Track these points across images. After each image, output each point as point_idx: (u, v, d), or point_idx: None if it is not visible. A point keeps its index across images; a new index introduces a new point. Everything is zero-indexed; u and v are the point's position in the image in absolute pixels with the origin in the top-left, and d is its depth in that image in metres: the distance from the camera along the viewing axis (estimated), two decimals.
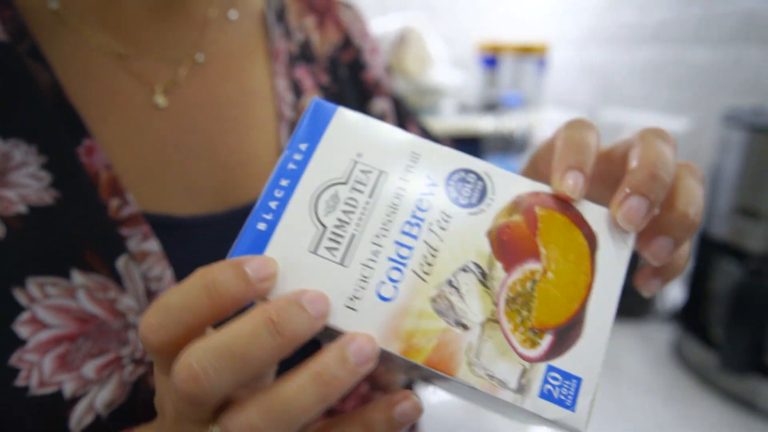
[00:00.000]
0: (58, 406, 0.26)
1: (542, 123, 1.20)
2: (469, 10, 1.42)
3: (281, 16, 0.41)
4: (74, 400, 0.27)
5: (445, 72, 1.17)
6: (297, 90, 0.40)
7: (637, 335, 0.85)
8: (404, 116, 0.47)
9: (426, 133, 0.49)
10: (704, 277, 0.76)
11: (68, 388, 0.26)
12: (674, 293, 0.95)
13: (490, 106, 1.28)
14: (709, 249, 0.75)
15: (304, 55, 0.42)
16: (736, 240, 0.66)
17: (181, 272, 0.31)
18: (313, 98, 0.24)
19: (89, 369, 0.27)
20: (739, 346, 0.63)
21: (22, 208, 0.27)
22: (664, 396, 0.70)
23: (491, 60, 1.33)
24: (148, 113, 0.33)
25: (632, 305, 0.89)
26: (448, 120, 1.19)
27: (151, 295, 0.30)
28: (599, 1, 1.21)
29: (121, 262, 0.29)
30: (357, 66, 0.44)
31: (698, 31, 0.96)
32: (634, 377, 0.74)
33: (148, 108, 0.33)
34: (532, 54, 1.29)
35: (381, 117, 0.44)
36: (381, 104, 0.44)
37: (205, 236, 0.33)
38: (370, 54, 0.46)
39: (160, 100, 0.33)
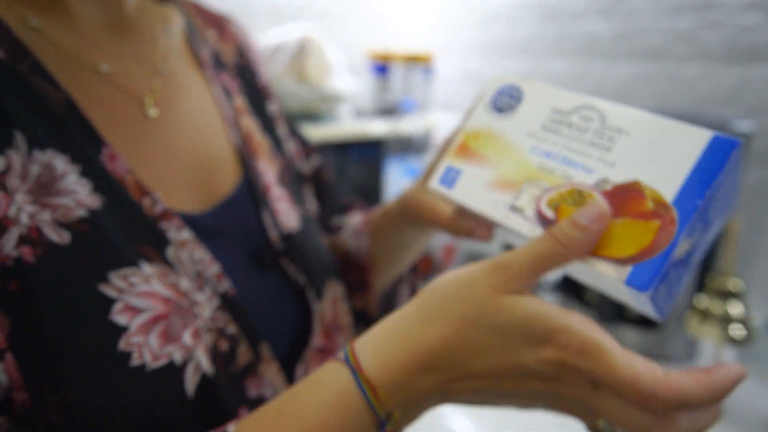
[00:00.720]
0: (174, 373, 0.30)
1: (434, 125, 1.32)
2: (360, 21, 1.51)
3: (194, 29, 0.46)
4: (184, 365, 0.31)
5: (343, 79, 1.24)
6: (227, 93, 0.45)
7: None
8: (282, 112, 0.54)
9: (294, 131, 0.56)
10: None
11: (177, 357, 0.30)
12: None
13: (384, 111, 1.37)
14: None
15: (219, 63, 0.47)
16: None
17: (213, 255, 0.35)
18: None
19: (186, 338, 0.31)
20: (605, 298, 0.79)
21: (82, 212, 0.29)
22: None
23: (382, 67, 1.42)
24: (143, 123, 0.36)
25: None
26: (346, 124, 1.26)
27: (199, 275, 0.34)
28: (475, 16, 1.37)
29: (170, 252, 0.33)
30: (251, 73, 0.50)
31: (555, 47, 1.14)
32: None
33: (142, 119, 0.36)
34: (419, 62, 1.41)
35: (275, 117, 0.50)
36: (273, 106, 0.51)
37: (211, 228, 0.38)
38: (257, 62, 0.52)
39: (153, 111, 0.36)
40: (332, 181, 0.59)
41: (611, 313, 0.80)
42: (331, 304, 0.45)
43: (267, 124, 0.49)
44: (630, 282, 0.25)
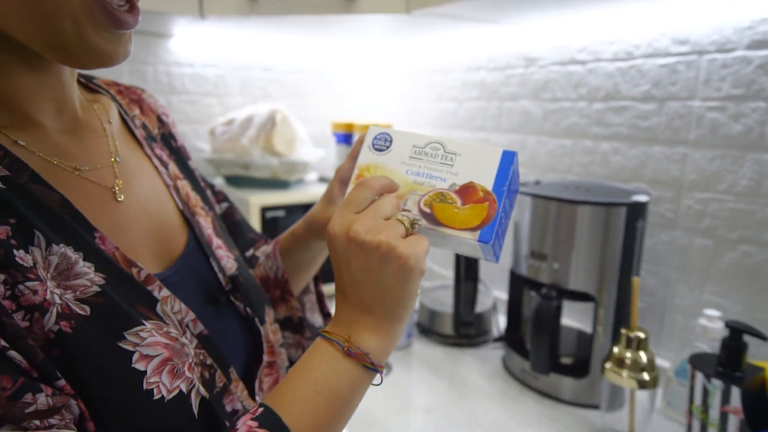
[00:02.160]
0: (184, 400, 0.39)
1: None
2: (325, 97, 1.65)
3: (125, 111, 0.55)
4: (189, 392, 0.40)
5: (308, 150, 1.35)
6: (163, 163, 0.54)
7: (478, 357, 1.08)
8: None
9: (205, 181, 0.66)
10: (517, 305, 1.02)
11: (184, 387, 0.39)
12: (503, 322, 1.21)
13: None
14: (517, 283, 1.01)
15: (150, 136, 0.56)
16: (533, 275, 0.93)
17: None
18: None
19: (187, 372, 0.40)
20: (541, 352, 0.88)
21: (96, 288, 0.38)
22: (497, 400, 0.92)
23: (345, 137, 1.55)
24: (115, 207, 0.45)
25: (473, 336, 1.12)
26: (312, 189, 1.36)
27: (180, 323, 0.43)
28: (428, 92, 1.52)
29: (158, 308, 0.41)
30: (172, 137, 0.60)
31: (496, 122, 1.29)
32: (476, 389, 0.95)
33: (114, 204, 0.45)
34: None
35: (194, 172, 0.60)
36: (192, 163, 0.61)
37: (175, 282, 0.46)
38: (173, 126, 0.61)
39: (121, 197, 0.46)
40: (242, 219, 0.71)
41: (546, 366, 0.89)
42: (269, 326, 0.56)
43: (193, 181, 0.58)
44: (480, 239, 0.43)
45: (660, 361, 0.96)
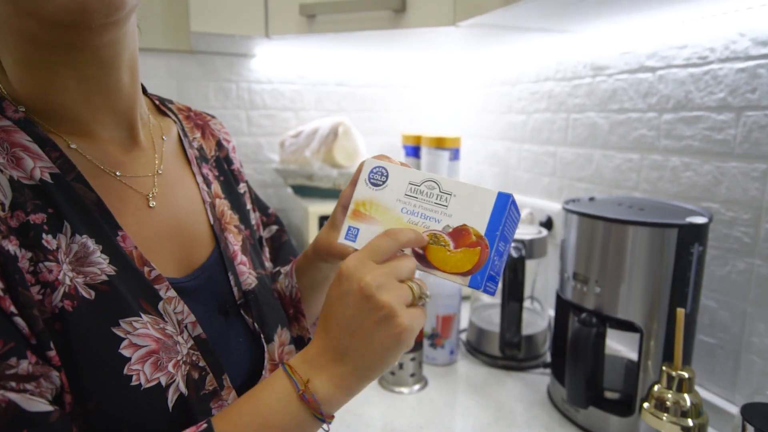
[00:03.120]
0: (160, 392, 0.42)
1: None
2: (397, 109, 1.68)
3: (185, 133, 0.61)
4: (167, 387, 0.43)
5: None
6: (207, 182, 0.59)
7: (524, 383, 1.02)
8: (251, 189, 0.69)
9: (257, 197, 0.72)
10: (563, 330, 0.95)
11: (163, 381, 0.42)
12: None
13: None
14: (563, 307, 0.94)
15: (203, 157, 0.62)
16: (577, 299, 0.86)
17: (190, 308, 0.48)
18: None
19: (170, 366, 0.43)
20: (577, 383, 0.81)
21: (104, 277, 0.43)
22: (534, 429, 0.86)
23: (414, 149, 1.56)
24: (147, 212, 0.51)
25: (521, 359, 1.06)
26: None
27: (179, 323, 0.47)
28: (497, 104, 1.48)
29: (160, 305, 0.46)
30: (228, 161, 0.65)
31: (563, 134, 1.21)
32: (513, 415, 0.90)
33: (146, 209, 0.51)
34: (447, 144, 1.53)
35: (244, 194, 0.65)
36: (243, 186, 0.66)
37: (190, 289, 0.50)
38: (233, 152, 0.67)
39: (153, 203, 0.51)
40: (288, 242, 0.74)
41: (583, 399, 0.81)
42: (278, 345, 0.58)
43: (236, 202, 0.63)
44: (471, 284, 0.44)
45: (731, 408, 0.83)
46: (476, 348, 1.12)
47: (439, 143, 1.53)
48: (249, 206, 0.66)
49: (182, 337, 0.46)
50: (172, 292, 0.47)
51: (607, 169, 1.09)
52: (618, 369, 0.94)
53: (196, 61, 1.44)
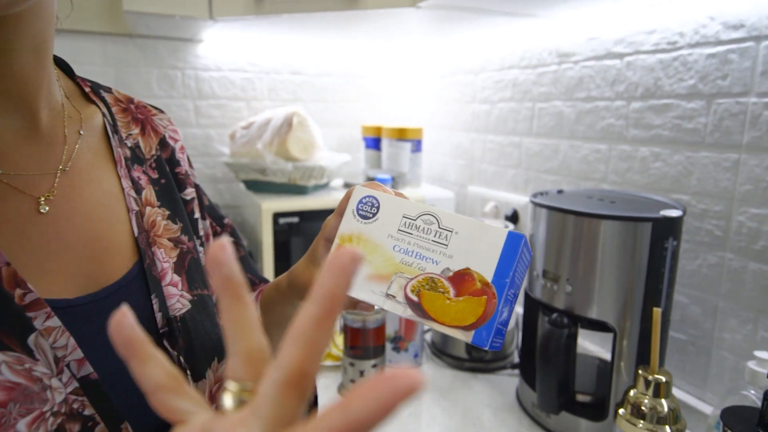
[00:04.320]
0: None
1: (423, 196, 1.35)
2: (356, 99, 1.60)
3: (115, 128, 0.52)
4: None
5: (327, 155, 1.30)
6: (137, 187, 0.50)
7: (492, 385, 0.97)
8: (202, 194, 0.60)
9: (211, 204, 0.63)
10: (532, 330, 0.90)
11: None
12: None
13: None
14: (532, 306, 0.89)
15: (137, 157, 0.52)
16: (547, 298, 0.81)
17: (79, 341, 0.38)
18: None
19: (22, 426, 0.33)
20: (548, 388, 0.76)
21: None
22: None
23: (374, 141, 1.49)
24: (35, 219, 0.41)
25: (489, 360, 1.01)
26: (333, 195, 1.31)
27: (59, 360, 0.37)
28: (460, 94, 1.42)
29: (31, 339, 0.36)
30: (173, 162, 0.56)
31: (528, 124, 1.17)
32: (481, 422, 0.85)
33: (34, 214, 0.41)
34: (409, 136, 1.47)
35: (191, 200, 0.56)
36: (191, 192, 0.57)
37: (91, 312, 0.41)
38: (180, 152, 0.58)
39: (46, 208, 0.42)
40: (244, 258, 0.65)
41: (554, 404, 0.77)
42: (213, 382, 0.48)
43: (178, 210, 0.54)
44: (474, 342, 0.37)
45: (703, 407, 0.81)
46: (441, 350, 1.06)
47: (401, 134, 1.47)
48: (198, 215, 0.57)
49: (60, 380, 0.37)
50: (53, 321, 0.37)
51: (574, 160, 1.05)
52: (589, 370, 0.90)
53: (136, 45, 1.32)
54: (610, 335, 0.76)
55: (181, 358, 0.46)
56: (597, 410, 0.78)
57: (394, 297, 0.39)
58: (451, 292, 0.38)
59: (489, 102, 1.30)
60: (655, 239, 0.70)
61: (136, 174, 0.51)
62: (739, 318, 0.77)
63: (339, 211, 0.46)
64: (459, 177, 1.47)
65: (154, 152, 0.55)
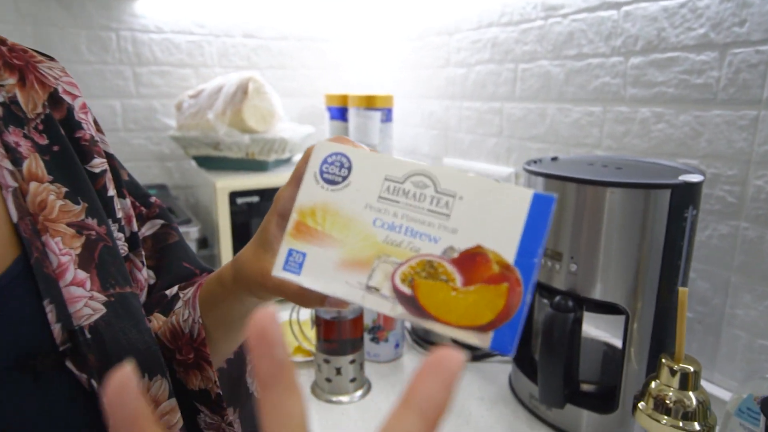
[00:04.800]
0: None
1: None
2: (319, 67, 1.46)
3: None
4: None
5: (289, 126, 1.17)
6: (15, 156, 0.37)
7: (482, 375, 0.88)
8: (119, 167, 0.47)
9: (133, 180, 0.50)
10: (528, 314, 0.81)
11: None
12: None
13: None
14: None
15: (12, 116, 0.39)
16: (546, 279, 0.72)
17: None
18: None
19: None
20: (552, 380, 0.67)
21: None
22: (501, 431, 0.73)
23: (340, 111, 1.36)
24: None
25: (476, 347, 0.92)
26: None
27: None
28: (433, 58, 1.31)
29: None
30: (71, 124, 0.42)
31: (510, 88, 1.07)
32: (473, 417, 0.76)
33: None
34: (378, 105, 1.34)
35: (101, 174, 0.43)
36: (101, 163, 0.43)
37: None
38: (82, 112, 0.44)
39: None
40: (179, 243, 0.51)
41: (560, 398, 0.68)
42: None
43: (80, 187, 0.41)
44: (495, 348, 0.27)
45: (712, 389, 0.74)
46: (424, 338, 0.97)
47: (369, 103, 1.34)
48: (112, 192, 0.44)
49: None
50: None
51: (564, 126, 0.96)
52: (594, 356, 0.83)
53: (58, 1, 1.13)
54: (615, 317, 0.68)
55: (93, 382, 0.34)
56: (604, 401, 0.70)
57: (377, 290, 0.29)
58: (458, 279, 0.28)
59: (465, 65, 1.19)
60: (673, 208, 0.61)
61: (12, 139, 0.38)
62: (754, 293, 0.70)
63: (295, 176, 0.35)
64: (433, 148, 1.36)
65: (40, 110, 0.41)
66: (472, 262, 0.27)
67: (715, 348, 0.76)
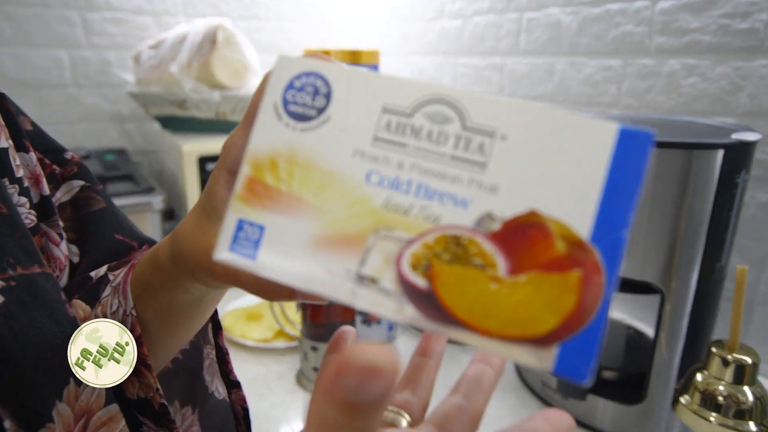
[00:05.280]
0: None
1: None
2: (296, 19, 1.32)
3: None
4: None
5: None
6: None
7: None
8: (15, 114, 0.35)
9: (39, 130, 0.39)
10: None
11: None
12: None
13: None
14: None
15: None
16: None
17: None
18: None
19: None
20: None
21: None
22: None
23: None
24: None
25: None
26: None
27: None
28: (424, 9, 1.18)
29: None
30: None
31: (513, 41, 0.96)
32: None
33: None
34: (363, 60, 1.22)
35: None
36: None
37: None
38: None
39: None
40: (107, 210, 0.40)
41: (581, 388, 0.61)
42: (68, 426, 0.27)
43: None
44: (561, 371, 0.17)
45: None
46: None
47: (354, 58, 1.22)
48: (6, 143, 0.32)
49: None
50: None
51: (575, 82, 0.86)
52: (617, 341, 0.75)
53: None
54: (641, 298, 0.60)
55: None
56: (628, 391, 0.62)
57: (374, 281, 0.20)
58: (501, 265, 0.19)
59: (461, 16, 1.07)
60: (724, 173, 0.53)
61: None
62: None
63: (250, 114, 0.26)
64: None
65: None
66: (522, 237, 0.19)
67: (746, 328, 0.69)
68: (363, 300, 0.20)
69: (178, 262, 0.29)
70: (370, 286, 0.20)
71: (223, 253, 0.21)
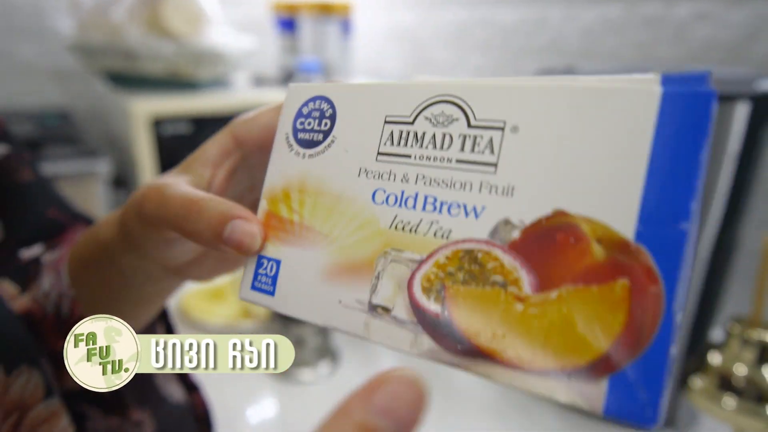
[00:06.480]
0: None
1: None
2: None
3: None
4: None
5: (227, 33, 0.93)
6: None
7: None
8: None
9: None
10: None
11: None
12: None
13: (291, 77, 1.08)
14: None
15: None
16: None
17: None
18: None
19: None
20: None
21: None
22: (499, 413, 0.60)
23: (288, 22, 1.12)
24: None
25: None
26: (241, 94, 0.96)
27: None
28: None
29: None
30: None
31: None
32: (467, 394, 0.62)
33: None
34: (335, 15, 1.11)
35: None
36: None
37: None
38: None
39: None
40: (35, 181, 0.34)
41: None
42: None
43: None
44: (614, 412, 0.14)
45: None
46: None
47: (325, 10, 1.11)
48: None
49: None
50: None
51: (570, 34, 0.79)
52: None
53: None
54: None
55: None
56: None
57: (387, 310, 0.17)
58: (525, 280, 0.15)
59: None
60: (752, 126, 0.46)
61: None
62: None
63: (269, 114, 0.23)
64: (401, 67, 1.16)
65: None
66: (548, 244, 0.15)
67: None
68: (377, 333, 0.18)
69: (133, 238, 0.24)
70: (384, 316, 0.18)
71: (247, 293, 0.20)
